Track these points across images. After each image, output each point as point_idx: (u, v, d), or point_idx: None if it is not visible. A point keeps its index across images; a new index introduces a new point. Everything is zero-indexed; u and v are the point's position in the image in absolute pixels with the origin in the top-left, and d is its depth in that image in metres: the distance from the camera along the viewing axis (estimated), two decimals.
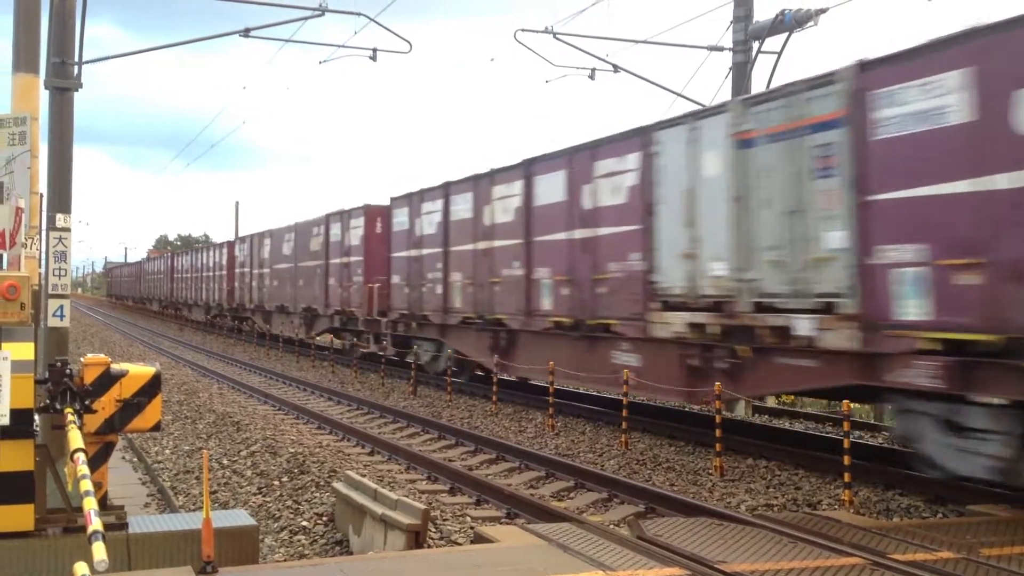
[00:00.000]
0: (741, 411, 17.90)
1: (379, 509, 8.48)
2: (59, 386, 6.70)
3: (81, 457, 5.53)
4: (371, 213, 26.95)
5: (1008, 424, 8.89)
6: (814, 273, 11.04)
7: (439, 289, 21.46)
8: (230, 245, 47.07)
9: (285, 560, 8.74)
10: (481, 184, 19.80)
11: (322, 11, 17.46)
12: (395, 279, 24.39)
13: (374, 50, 19.78)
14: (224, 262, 46.69)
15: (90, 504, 4.73)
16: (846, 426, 10.07)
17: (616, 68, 20.93)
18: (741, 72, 19.27)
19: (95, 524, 4.42)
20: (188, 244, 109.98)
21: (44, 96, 12.98)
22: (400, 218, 24.25)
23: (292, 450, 13.26)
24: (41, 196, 12.79)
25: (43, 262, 12.82)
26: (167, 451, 15.22)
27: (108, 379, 6.88)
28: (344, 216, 28.92)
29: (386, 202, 25.96)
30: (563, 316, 16.36)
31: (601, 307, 15.27)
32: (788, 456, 12.61)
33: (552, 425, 15.75)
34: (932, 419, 9.71)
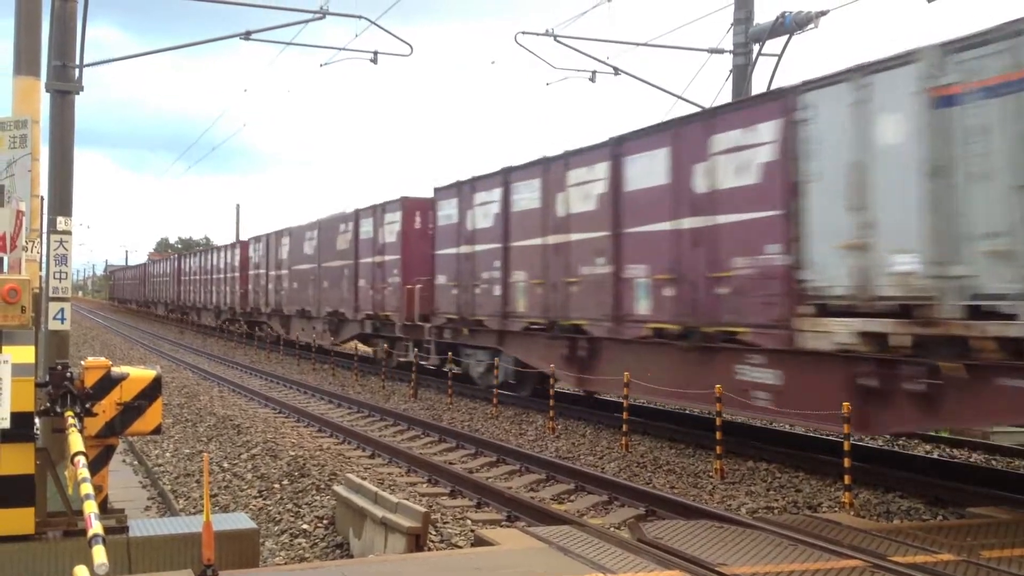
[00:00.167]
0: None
1: (379, 512, 8.48)
2: (60, 389, 6.70)
3: (81, 460, 5.54)
4: (409, 206, 24.59)
5: None
6: None
7: (497, 290, 18.94)
8: (243, 245, 44.15)
9: (285, 563, 8.74)
10: (553, 169, 17.16)
11: (323, 14, 17.49)
12: (440, 279, 21.81)
13: (375, 53, 19.79)
14: (236, 263, 44.10)
15: (90, 507, 4.74)
16: (846, 428, 10.06)
17: (617, 71, 20.95)
18: (741, 74, 19.29)
19: (95, 527, 4.42)
20: (189, 247, 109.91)
21: (45, 99, 13.00)
22: (446, 211, 21.57)
23: (293, 453, 13.26)
24: (42, 199, 12.79)
25: (44, 265, 12.82)
26: (167, 454, 15.22)
27: (109, 382, 6.89)
28: (377, 211, 26.48)
29: (412, 196, 24.54)
30: (666, 322, 13.71)
31: (722, 311, 12.61)
32: (788, 458, 12.61)
33: (553, 428, 15.75)
34: None
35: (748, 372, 12.30)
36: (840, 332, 10.66)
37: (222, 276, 47.46)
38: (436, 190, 22.41)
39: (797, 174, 11.36)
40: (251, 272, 42.01)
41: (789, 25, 18.12)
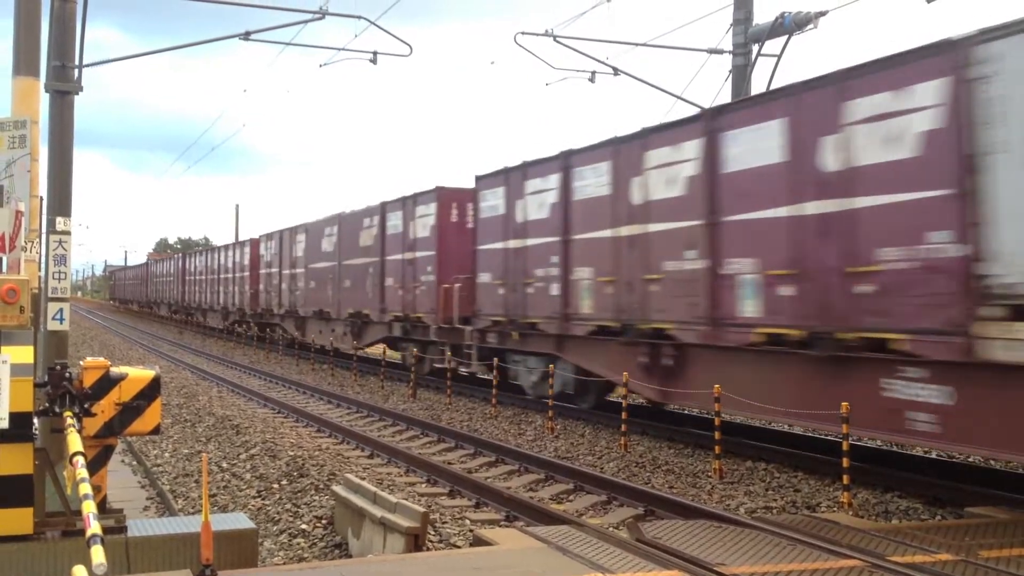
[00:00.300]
0: None
1: (378, 512, 8.49)
2: (58, 389, 6.70)
3: (80, 460, 5.54)
4: (445, 198, 22.68)
5: None
6: None
7: (554, 289, 16.86)
8: (254, 243, 41.74)
9: (284, 563, 8.75)
10: (626, 150, 15.01)
11: (322, 14, 17.48)
12: (483, 277, 19.69)
13: (374, 53, 19.77)
14: (247, 262, 42.00)
15: (89, 507, 4.74)
16: (845, 428, 10.07)
17: (616, 71, 20.94)
18: (741, 75, 19.29)
19: (94, 528, 4.43)
20: (188, 247, 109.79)
21: (44, 99, 13.00)
22: (491, 201, 19.45)
23: (291, 453, 13.26)
24: (41, 199, 12.80)
25: (43, 265, 12.83)
26: (166, 454, 15.22)
27: (107, 382, 6.89)
28: (407, 203, 24.41)
29: (449, 186, 22.83)
30: (784, 326, 11.58)
31: (864, 314, 10.52)
32: (787, 458, 12.62)
33: (552, 428, 15.75)
34: None
35: (902, 389, 10.11)
36: None
37: (230, 276, 45.51)
38: (479, 178, 20.24)
39: (974, 145, 9.30)
40: (262, 271, 39.90)
41: (788, 25, 18.13)
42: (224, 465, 13.51)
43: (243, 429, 16.14)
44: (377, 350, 27.56)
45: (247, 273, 41.92)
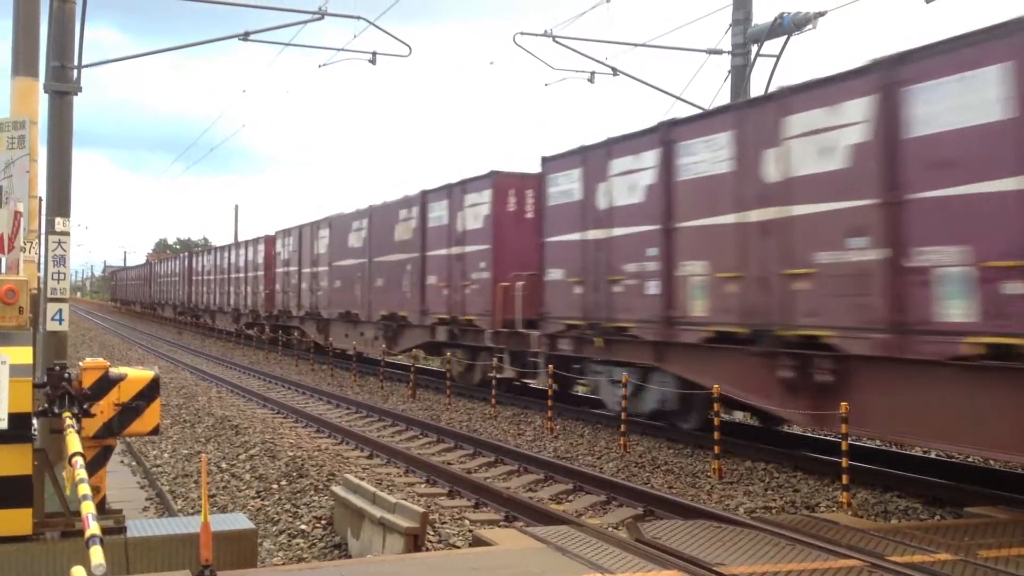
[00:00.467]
0: (739, 413, 17.90)
1: (378, 512, 8.49)
2: (57, 390, 6.69)
3: (79, 461, 5.54)
4: (502, 184, 20.02)
5: None
6: None
7: (652, 287, 14.14)
8: (269, 240, 38.97)
9: (284, 564, 8.75)
10: (755, 117, 12.26)
11: (322, 15, 17.49)
12: (554, 274, 16.97)
13: (373, 53, 19.79)
14: (260, 260, 39.39)
15: (88, 508, 4.74)
16: (844, 428, 10.07)
17: (615, 71, 20.96)
18: (740, 75, 19.30)
19: (93, 528, 4.42)
20: (187, 248, 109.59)
21: (44, 100, 13.00)
22: (563, 185, 16.71)
23: (291, 453, 13.26)
24: (40, 200, 12.80)
25: (42, 266, 12.83)
26: (166, 455, 15.22)
27: (107, 383, 6.88)
28: (454, 191, 21.72)
29: (506, 171, 20.30)
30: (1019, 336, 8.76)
31: None
32: (786, 458, 12.62)
33: (551, 428, 15.75)
34: None
35: None
36: None
37: (242, 275, 42.80)
38: (547, 160, 17.53)
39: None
40: (279, 270, 37.01)
41: (787, 26, 18.14)
42: (223, 465, 13.50)
43: (242, 429, 16.13)
44: (448, 359, 22.45)
45: (261, 272, 39.36)
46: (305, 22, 17.60)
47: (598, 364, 15.97)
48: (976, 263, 9.18)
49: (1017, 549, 7.24)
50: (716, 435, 12.06)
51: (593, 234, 15.78)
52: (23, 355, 6.35)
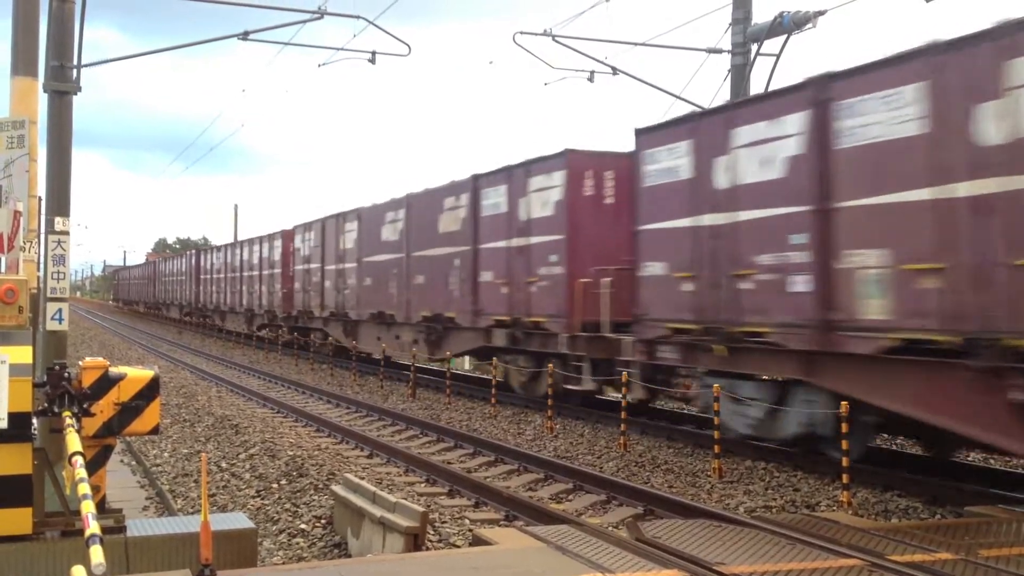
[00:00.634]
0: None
1: (378, 512, 8.48)
2: (57, 389, 6.69)
3: (79, 460, 5.53)
4: (578, 164, 17.28)
5: None
6: None
7: (799, 283, 11.31)
8: (287, 235, 36.27)
9: (284, 563, 8.74)
10: (954, 63, 9.48)
11: (321, 14, 17.48)
12: (652, 268, 14.09)
13: (373, 53, 19.77)
14: (277, 257, 36.77)
15: (88, 507, 4.73)
16: (844, 427, 10.07)
17: (615, 70, 20.94)
18: (740, 74, 19.29)
19: (93, 527, 4.42)
20: (187, 247, 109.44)
21: (43, 99, 13.00)
22: (665, 162, 13.81)
23: (291, 453, 13.26)
24: (40, 199, 12.80)
25: (41, 265, 12.82)
26: (166, 454, 15.22)
27: (106, 382, 6.88)
28: (515, 175, 18.87)
29: (582, 149, 17.58)
30: None
31: None
32: (786, 457, 12.61)
33: (551, 427, 15.75)
34: None
35: None
36: None
37: (256, 273, 40.12)
38: (642, 132, 14.52)
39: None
40: (298, 267, 34.31)
41: (787, 25, 18.14)
42: (223, 465, 13.50)
43: (242, 429, 16.13)
44: (507, 366, 19.73)
45: (278, 270, 36.70)
46: (304, 21, 17.60)
47: (718, 376, 12.78)
48: None
49: (1018, 548, 7.24)
50: (716, 434, 12.06)
51: (709, 219, 12.91)
52: (23, 354, 6.34)
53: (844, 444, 10.00)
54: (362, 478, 10.55)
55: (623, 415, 14.15)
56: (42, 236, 12.90)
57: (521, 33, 20.11)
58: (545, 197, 17.86)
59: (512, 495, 10.57)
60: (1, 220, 9.58)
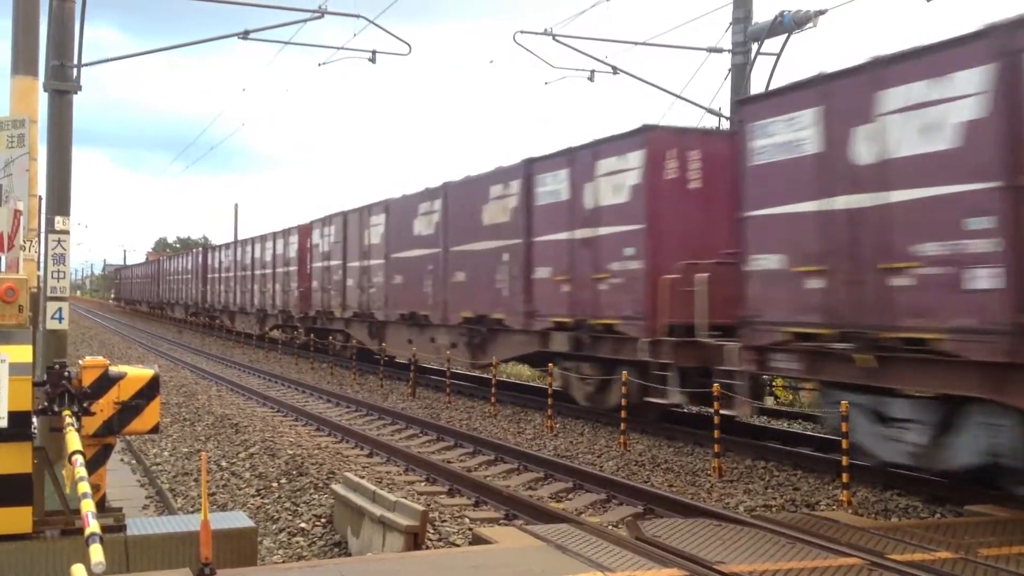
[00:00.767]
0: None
1: (378, 511, 8.48)
2: (57, 388, 6.69)
3: (79, 459, 5.53)
4: (659, 143, 14.84)
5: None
6: None
7: (982, 279, 9.06)
8: (304, 230, 33.96)
9: (283, 562, 8.74)
10: None
11: (321, 13, 17.50)
12: (763, 262, 11.73)
13: (373, 52, 19.80)
14: (292, 254, 34.78)
15: (88, 506, 4.74)
16: (844, 427, 10.07)
17: (615, 70, 20.97)
18: (740, 73, 19.30)
19: (93, 526, 4.42)
20: (187, 246, 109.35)
21: (43, 98, 13.01)
22: (782, 135, 11.47)
23: (291, 452, 13.26)
24: (40, 198, 12.81)
25: (42, 264, 12.83)
26: (165, 453, 15.22)
27: (106, 381, 6.88)
28: (580, 157, 16.52)
29: (663, 126, 15.39)
30: None
31: None
32: (786, 457, 12.62)
33: (551, 426, 15.75)
34: None
35: None
36: None
37: (269, 271, 37.92)
38: (748, 102, 12.70)
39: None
40: (316, 264, 32.13)
41: (788, 24, 18.17)
42: (223, 464, 13.50)
43: (242, 428, 16.13)
44: (564, 374, 17.25)
45: (294, 267, 34.59)
46: (305, 20, 17.62)
47: (859, 392, 10.65)
48: None
49: (1017, 547, 7.24)
50: (716, 433, 12.06)
51: (845, 201, 10.63)
52: (23, 353, 6.35)
53: (844, 443, 9.99)
54: (362, 477, 10.55)
55: (623, 414, 14.15)
56: (42, 235, 12.91)
57: (521, 32, 20.16)
58: (618, 181, 15.42)
59: (512, 494, 10.57)
60: (1, 219, 9.59)
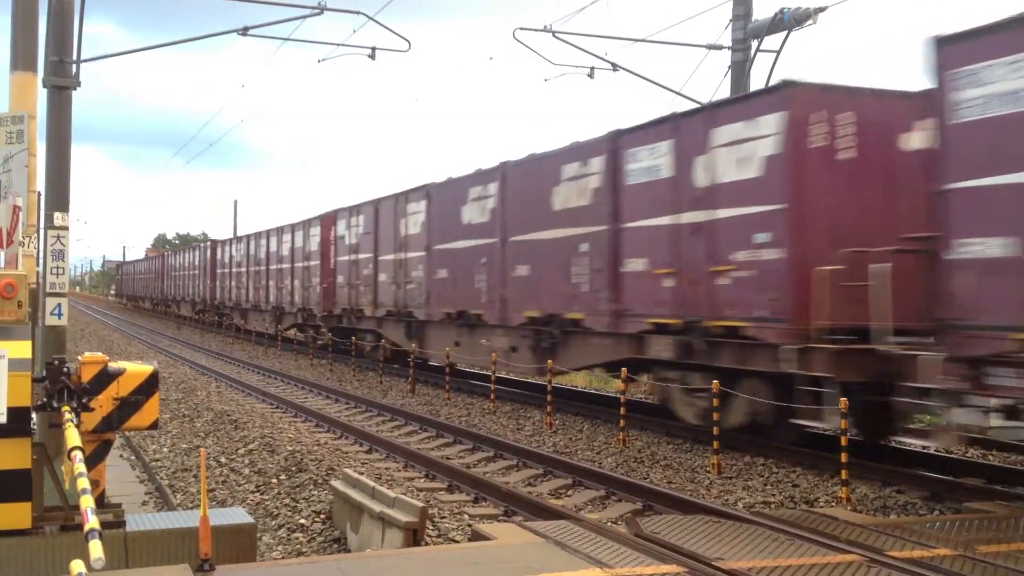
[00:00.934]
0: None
1: (377, 507, 8.48)
2: (56, 384, 6.68)
3: (78, 455, 5.53)
4: (804, 103, 12.12)
5: None
6: None
7: None
8: (327, 221, 31.46)
9: (283, 558, 8.75)
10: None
11: (321, 9, 17.47)
12: (978, 248, 9.15)
13: (373, 49, 19.78)
14: (314, 247, 32.38)
15: (87, 502, 4.73)
16: (843, 424, 10.07)
17: (615, 67, 20.94)
18: (740, 70, 19.29)
19: (92, 522, 4.41)
20: (186, 243, 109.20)
21: (42, 94, 12.99)
22: (1002, 83, 8.91)
23: (290, 448, 13.26)
24: (39, 194, 12.79)
25: (41, 260, 12.82)
26: (165, 449, 15.22)
27: (106, 377, 6.87)
28: (685, 126, 13.88)
29: (806, 82, 12.27)
30: None
31: None
32: (785, 453, 12.62)
33: (550, 423, 15.75)
34: None
35: None
36: None
37: (287, 266, 35.60)
38: (946, 41, 9.48)
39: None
40: (341, 258, 29.61)
41: (788, 21, 18.15)
42: (223, 460, 13.50)
43: (242, 424, 16.13)
44: (668, 390, 14.75)
45: (315, 262, 32.16)
46: (304, 17, 17.59)
47: None
48: None
49: (1016, 544, 7.24)
50: (715, 430, 12.06)
51: None
52: (22, 349, 6.34)
53: (843, 440, 10.00)
54: (361, 473, 10.55)
55: (622, 411, 14.14)
56: (41, 231, 12.89)
57: (521, 29, 20.12)
58: (744, 152, 12.68)
59: (511, 491, 10.57)
60: (1, 215, 9.58)
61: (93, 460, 6.68)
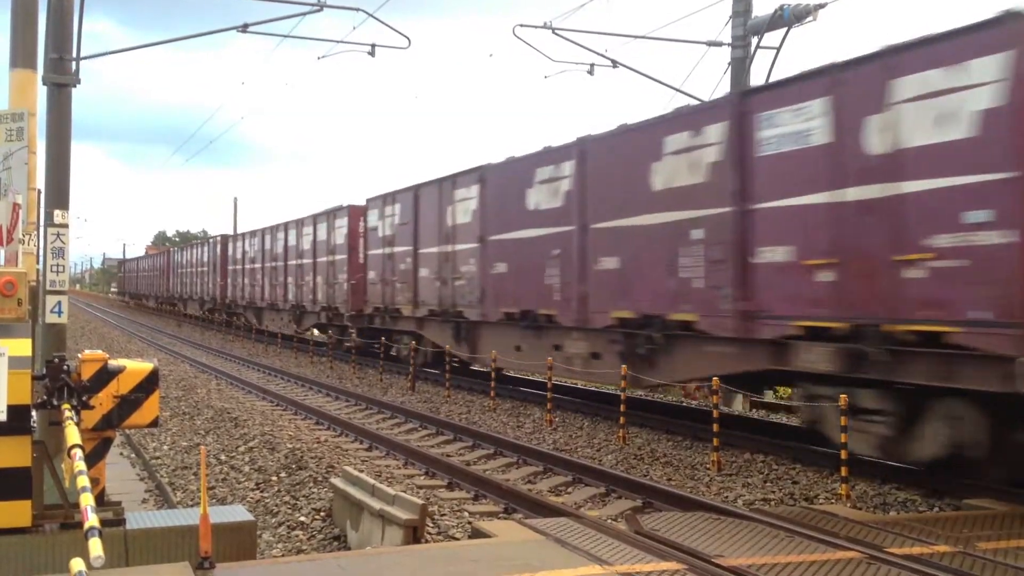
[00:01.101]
0: (739, 406, 17.93)
1: (377, 504, 8.49)
2: (56, 382, 6.69)
3: (78, 453, 5.53)
4: None
5: None
6: None
7: None
8: (355, 213, 28.85)
9: (283, 555, 8.75)
10: None
11: (320, 6, 17.44)
12: None
13: (372, 46, 19.74)
14: (341, 240, 29.71)
15: (87, 500, 4.73)
16: (843, 421, 10.08)
17: (615, 63, 20.91)
18: (740, 67, 19.27)
19: (92, 520, 4.42)
20: (186, 240, 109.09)
21: (42, 92, 12.98)
22: None
23: (290, 446, 13.27)
24: (39, 192, 12.78)
25: (41, 258, 12.82)
26: (165, 447, 15.23)
27: (106, 375, 6.87)
28: (843, 80, 10.80)
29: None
30: None
31: None
32: (785, 450, 12.63)
33: (550, 420, 15.76)
34: None
35: None
36: None
37: (308, 261, 33.02)
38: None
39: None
40: (372, 252, 26.49)
41: (788, 18, 18.12)
42: (223, 458, 13.51)
43: (242, 422, 16.14)
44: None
45: (341, 256, 29.56)
46: (304, 14, 17.56)
47: None
48: None
49: (1016, 541, 7.26)
50: (715, 427, 12.07)
51: None
52: (22, 347, 6.34)
53: (843, 437, 10.00)
54: (361, 471, 10.56)
55: (622, 408, 14.15)
56: (41, 229, 12.88)
57: (521, 26, 20.07)
58: (946, 106, 9.58)
59: (511, 488, 10.58)
60: (1, 213, 9.57)
61: (93, 458, 6.68)
